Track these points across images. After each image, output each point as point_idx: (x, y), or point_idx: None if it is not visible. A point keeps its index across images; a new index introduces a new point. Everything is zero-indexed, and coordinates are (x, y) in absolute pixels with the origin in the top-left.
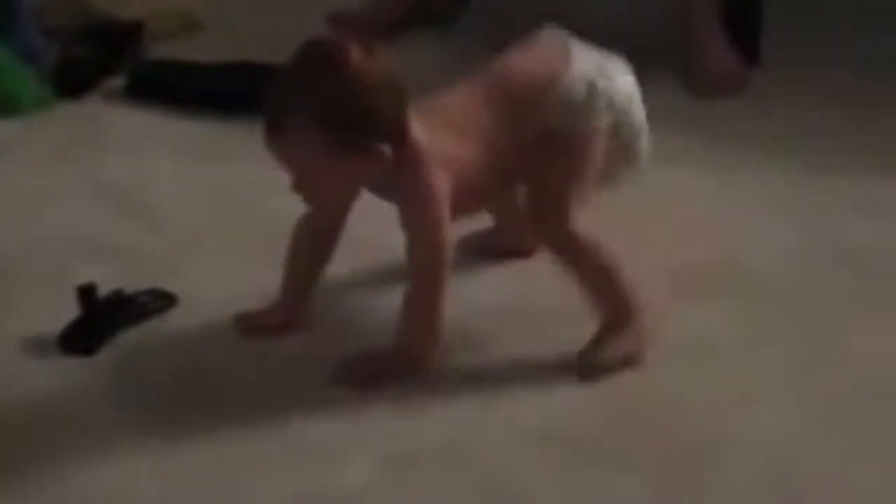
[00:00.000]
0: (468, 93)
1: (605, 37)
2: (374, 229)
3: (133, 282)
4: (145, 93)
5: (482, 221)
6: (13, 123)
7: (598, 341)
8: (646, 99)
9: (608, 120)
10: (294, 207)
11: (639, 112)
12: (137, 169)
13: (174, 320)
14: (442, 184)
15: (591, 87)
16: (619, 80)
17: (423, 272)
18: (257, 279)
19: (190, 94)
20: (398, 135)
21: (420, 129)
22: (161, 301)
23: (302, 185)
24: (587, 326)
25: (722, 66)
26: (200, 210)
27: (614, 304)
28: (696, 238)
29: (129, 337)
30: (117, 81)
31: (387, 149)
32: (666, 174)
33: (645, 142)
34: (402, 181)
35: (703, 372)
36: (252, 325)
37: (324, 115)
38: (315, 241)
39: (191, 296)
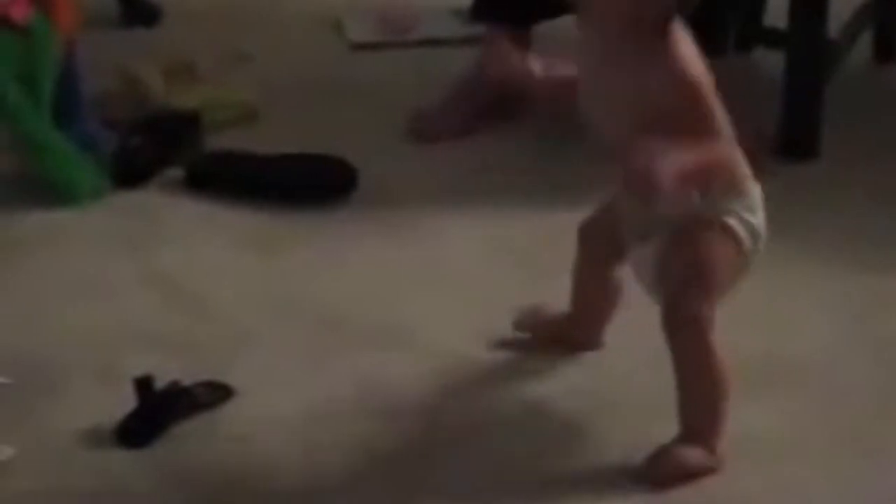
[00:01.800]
0: None
1: None
2: None
3: (187, 373)
4: (203, 184)
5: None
6: (71, 211)
7: (673, 449)
8: None
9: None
10: (346, 302)
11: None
12: (193, 259)
13: (229, 413)
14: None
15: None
16: None
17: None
18: (310, 372)
19: (247, 186)
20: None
21: None
22: (217, 393)
23: None
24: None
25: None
26: (256, 302)
27: (705, 417)
28: (743, 332)
29: (185, 428)
30: (175, 172)
31: None
32: None
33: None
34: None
35: (750, 469)
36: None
37: None
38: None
39: (245, 388)
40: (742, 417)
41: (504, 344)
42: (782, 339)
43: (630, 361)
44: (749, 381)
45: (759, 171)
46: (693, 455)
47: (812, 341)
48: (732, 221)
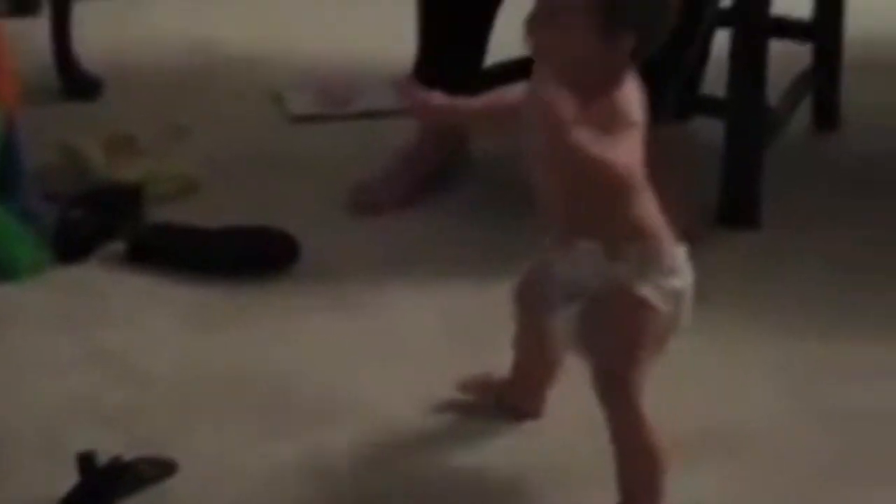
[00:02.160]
0: None
1: None
2: None
3: (131, 449)
4: (145, 257)
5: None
6: (10, 287)
7: None
8: None
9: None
10: (290, 376)
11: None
12: (135, 335)
13: (173, 489)
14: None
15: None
16: None
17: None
18: (256, 448)
19: (189, 259)
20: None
21: None
22: (160, 469)
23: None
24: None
25: (681, 224)
26: (199, 377)
27: (641, 485)
28: (685, 400)
29: None
30: (116, 245)
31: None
32: None
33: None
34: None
35: None
36: None
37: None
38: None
39: (189, 464)
40: (683, 486)
41: (447, 410)
42: (724, 407)
43: (571, 429)
44: (691, 449)
45: (698, 240)
46: None
47: (754, 409)
48: (647, 291)
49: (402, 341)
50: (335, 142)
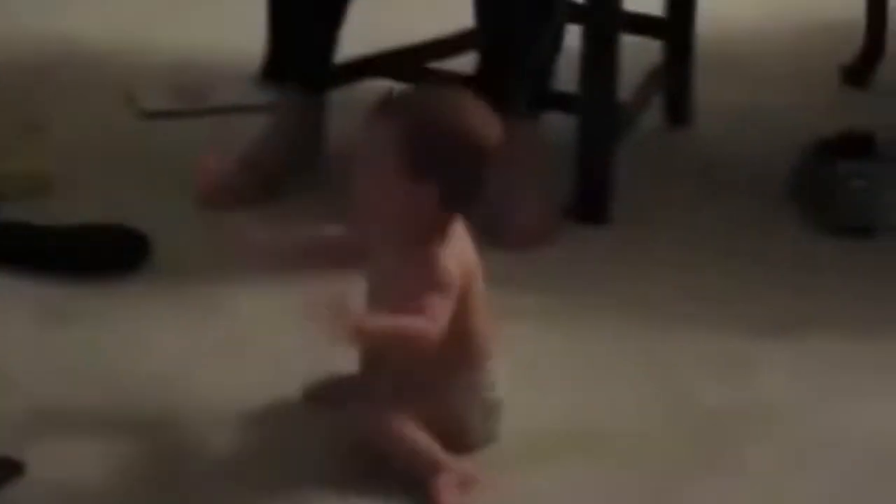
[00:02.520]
0: None
1: None
2: None
3: None
4: None
5: None
6: None
7: None
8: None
9: None
10: (143, 375)
11: None
12: None
13: (20, 490)
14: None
15: None
16: None
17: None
18: (107, 447)
19: (38, 258)
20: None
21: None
22: (6, 470)
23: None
24: None
25: (533, 220)
26: (47, 375)
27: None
28: (543, 400)
29: None
30: None
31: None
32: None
33: None
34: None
35: None
36: None
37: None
38: None
39: (39, 466)
40: (541, 486)
41: (296, 407)
42: (581, 405)
43: None
44: (548, 448)
45: (551, 235)
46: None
47: (616, 405)
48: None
49: (251, 339)
50: (187, 136)
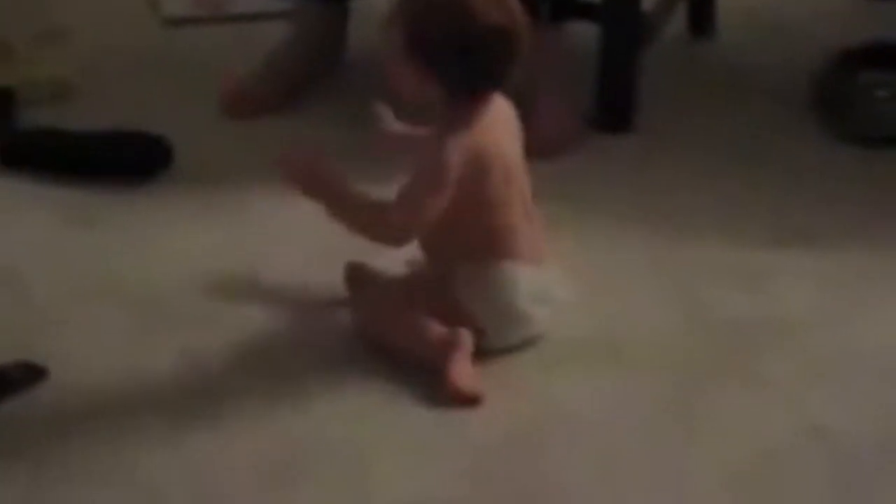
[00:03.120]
0: None
1: None
2: None
3: (2, 353)
4: (18, 161)
5: None
6: None
7: None
8: None
9: None
10: (165, 279)
11: None
12: (5, 238)
13: (43, 394)
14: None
15: None
16: None
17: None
18: (129, 350)
19: (62, 164)
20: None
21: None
22: (30, 374)
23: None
24: None
25: (556, 128)
26: (69, 279)
27: None
28: (558, 307)
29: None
30: None
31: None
32: None
33: None
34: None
35: (565, 445)
36: None
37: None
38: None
39: (62, 369)
40: (557, 393)
41: (320, 313)
42: (605, 316)
43: None
44: (563, 355)
45: (576, 142)
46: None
47: (638, 316)
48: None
49: (275, 247)
50: (210, 44)
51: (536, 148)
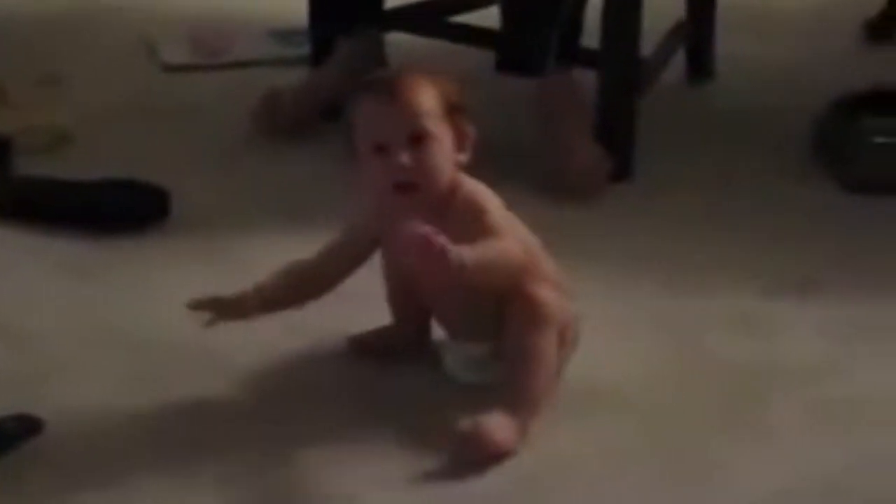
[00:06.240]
0: None
1: None
2: None
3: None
4: (15, 211)
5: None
6: None
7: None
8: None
9: None
10: (162, 328)
11: None
12: (2, 288)
13: (39, 446)
14: None
15: None
16: None
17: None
18: (126, 402)
19: (59, 212)
20: None
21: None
22: (25, 426)
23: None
24: None
25: (594, 164)
26: (69, 331)
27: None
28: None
29: None
30: None
31: None
32: None
33: None
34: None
35: (568, 495)
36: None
37: None
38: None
39: (58, 422)
40: (569, 441)
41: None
42: (604, 363)
43: None
44: (575, 404)
45: (600, 188)
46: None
47: (627, 362)
48: None
49: None
50: (207, 92)
51: (578, 185)
